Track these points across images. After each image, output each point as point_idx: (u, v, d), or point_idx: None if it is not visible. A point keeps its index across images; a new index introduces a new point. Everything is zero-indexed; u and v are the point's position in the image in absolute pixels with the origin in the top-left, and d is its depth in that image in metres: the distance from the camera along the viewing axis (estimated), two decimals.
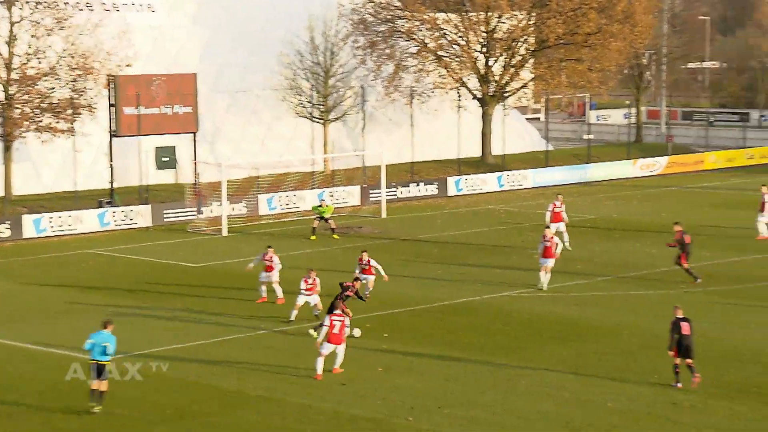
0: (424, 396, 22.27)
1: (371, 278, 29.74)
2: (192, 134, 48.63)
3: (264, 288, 30.05)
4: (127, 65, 46.21)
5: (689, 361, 22.24)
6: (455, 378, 23.35)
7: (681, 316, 22.50)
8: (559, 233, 35.70)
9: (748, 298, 29.76)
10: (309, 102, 53.84)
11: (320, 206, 41.53)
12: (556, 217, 36.69)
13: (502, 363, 24.24)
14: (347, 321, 23.77)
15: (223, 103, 56.84)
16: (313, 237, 40.82)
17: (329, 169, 53.57)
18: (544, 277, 30.79)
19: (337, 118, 55.27)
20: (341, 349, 23.36)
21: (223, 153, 54.83)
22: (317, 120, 54.43)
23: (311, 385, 23.05)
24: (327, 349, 23.19)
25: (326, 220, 41.04)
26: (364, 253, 29.88)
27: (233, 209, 45.37)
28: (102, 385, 20.99)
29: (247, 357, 24.88)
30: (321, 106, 54.51)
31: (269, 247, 30.41)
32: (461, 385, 22.95)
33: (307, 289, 27.47)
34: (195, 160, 48.50)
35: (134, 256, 38.06)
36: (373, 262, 29.54)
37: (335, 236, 40.78)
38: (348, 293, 26.72)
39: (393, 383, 23.07)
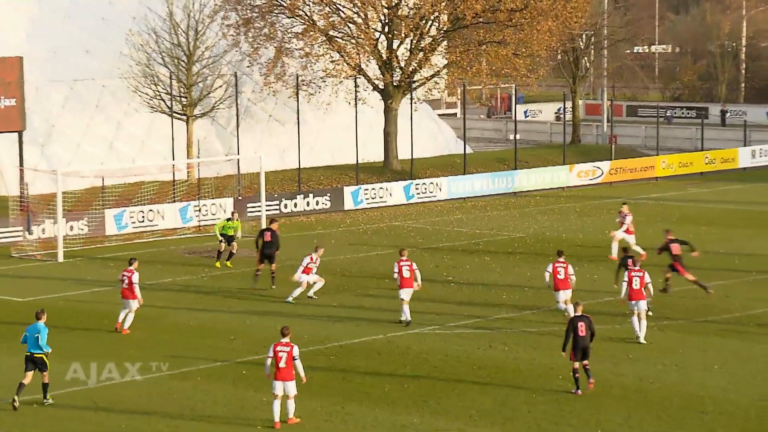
0: None
1: (309, 278, 34.29)
2: (17, 133, 47.90)
3: None
4: None
5: (585, 363, 25.33)
6: None
7: (579, 314, 25.56)
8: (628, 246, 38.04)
9: (710, 334, 30.34)
10: (168, 93, 53.36)
11: (230, 220, 40.71)
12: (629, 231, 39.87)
13: (412, 417, 24.19)
14: (295, 350, 23.77)
15: (58, 94, 56.13)
16: (218, 264, 40.10)
17: (194, 177, 53.15)
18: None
19: (204, 114, 54.92)
20: (291, 388, 23.57)
21: (59, 157, 54.05)
22: (179, 116, 53.97)
23: None
24: (277, 388, 23.56)
25: (230, 241, 40.01)
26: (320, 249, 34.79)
27: (71, 228, 44.81)
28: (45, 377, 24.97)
29: (144, 405, 24.45)
30: (184, 99, 54.15)
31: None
32: None
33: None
34: (21, 166, 47.71)
35: None
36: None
37: (228, 263, 40.09)
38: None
39: None
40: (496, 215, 50.54)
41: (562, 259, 31.51)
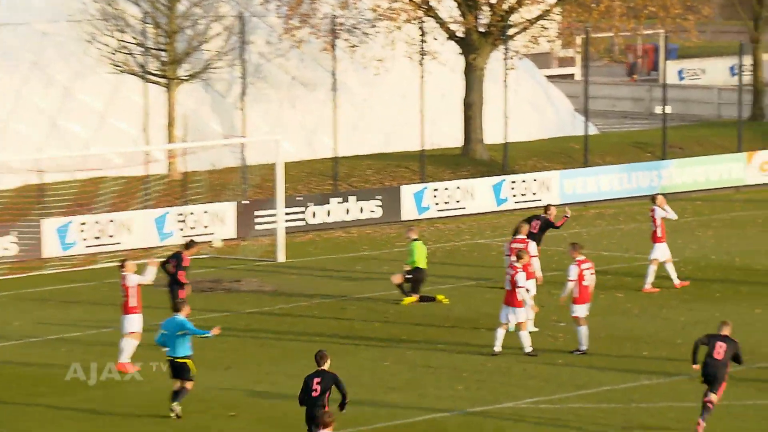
0: None
1: None
2: None
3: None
4: None
5: (709, 398, 27.79)
6: None
7: (722, 334, 28.10)
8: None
9: None
10: (140, 45, 53.85)
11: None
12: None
13: None
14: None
15: None
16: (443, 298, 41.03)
17: (177, 170, 53.33)
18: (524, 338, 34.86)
19: (192, 76, 55.25)
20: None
21: None
22: (155, 78, 54.13)
23: None
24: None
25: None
26: None
27: None
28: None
29: None
30: (163, 53, 54.48)
31: None
32: None
33: None
34: None
35: None
36: None
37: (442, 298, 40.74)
38: None
39: None
40: (634, 229, 50.30)
41: None
